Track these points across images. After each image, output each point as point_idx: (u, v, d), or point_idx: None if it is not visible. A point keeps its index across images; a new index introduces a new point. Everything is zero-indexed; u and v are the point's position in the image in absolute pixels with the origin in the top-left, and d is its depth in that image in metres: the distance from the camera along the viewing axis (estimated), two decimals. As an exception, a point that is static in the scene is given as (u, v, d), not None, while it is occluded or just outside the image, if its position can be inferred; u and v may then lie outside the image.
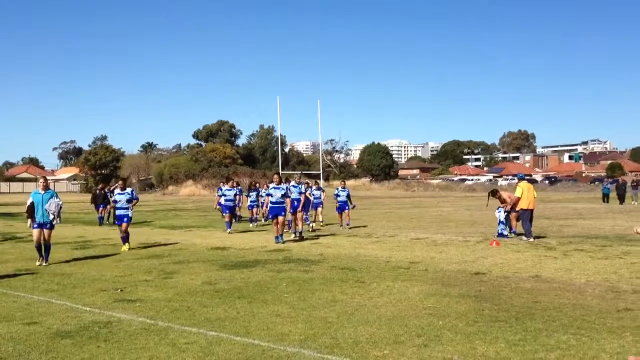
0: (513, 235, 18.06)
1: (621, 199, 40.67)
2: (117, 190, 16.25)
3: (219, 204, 23.07)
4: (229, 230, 21.29)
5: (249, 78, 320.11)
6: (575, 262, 12.67)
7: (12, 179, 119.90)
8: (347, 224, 22.51)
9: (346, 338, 6.73)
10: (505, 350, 6.17)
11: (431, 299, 8.94)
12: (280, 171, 58.42)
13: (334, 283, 10.40)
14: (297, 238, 18.08)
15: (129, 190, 16.21)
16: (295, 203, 18.26)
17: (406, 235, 19.39)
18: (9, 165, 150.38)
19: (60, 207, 13.69)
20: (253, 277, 11.22)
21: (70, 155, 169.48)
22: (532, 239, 16.77)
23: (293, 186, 18.93)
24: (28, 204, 13.61)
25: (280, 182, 17.64)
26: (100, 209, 27.27)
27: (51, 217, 13.44)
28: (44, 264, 13.23)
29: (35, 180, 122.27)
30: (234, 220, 25.72)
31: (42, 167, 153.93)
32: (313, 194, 22.85)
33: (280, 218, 17.00)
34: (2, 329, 7.38)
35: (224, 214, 22.27)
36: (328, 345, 6.45)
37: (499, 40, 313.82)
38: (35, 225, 13.43)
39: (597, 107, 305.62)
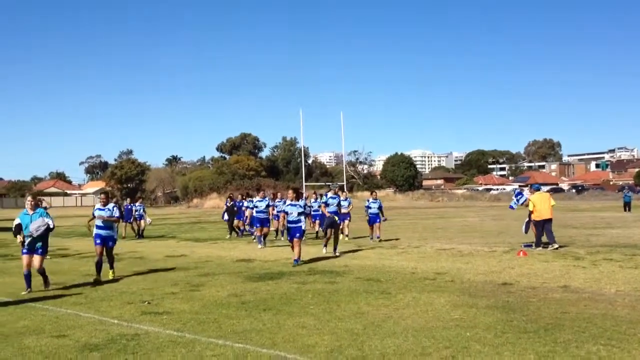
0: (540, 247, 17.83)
1: None
2: (98, 206, 13.45)
3: (252, 218, 21.29)
4: (260, 245, 19.81)
5: (272, 91, 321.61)
6: (604, 271, 12.48)
7: (40, 193, 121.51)
8: (378, 237, 21.36)
9: (373, 350, 6.70)
10: (535, 362, 6.09)
11: (458, 310, 8.87)
12: (302, 184, 58.44)
13: (359, 294, 10.36)
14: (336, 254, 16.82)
15: (110, 205, 13.38)
16: (331, 220, 17.20)
17: (431, 245, 19.27)
18: (37, 180, 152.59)
19: (49, 229, 11.59)
20: (278, 289, 11.23)
21: (96, 169, 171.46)
22: (550, 247, 16.79)
23: (331, 197, 18.47)
24: (15, 224, 11.62)
25: (297, 198, 15.42)
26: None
27: (34, 233, 11.36)
28: (31, 291, 11.49)
29: (64, 194, 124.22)
30: (238, 234, 25.86)
31: (69, 182, 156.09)
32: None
33: (296, 240, 14.92)
34: (31, 342, 7.48)
35: (256, 227, 20.77)
36: (355, 357, 6.43)
37: (523, 49, 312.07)
38: (25, 251, 11.55)
39: (624, 114, 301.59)
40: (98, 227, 13.13)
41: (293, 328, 7.89)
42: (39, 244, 11.49)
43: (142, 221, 27.10)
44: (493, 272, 12.83)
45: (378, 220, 21.65)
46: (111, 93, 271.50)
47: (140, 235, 26.76)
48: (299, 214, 15.02)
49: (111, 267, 13.50)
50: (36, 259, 11.49)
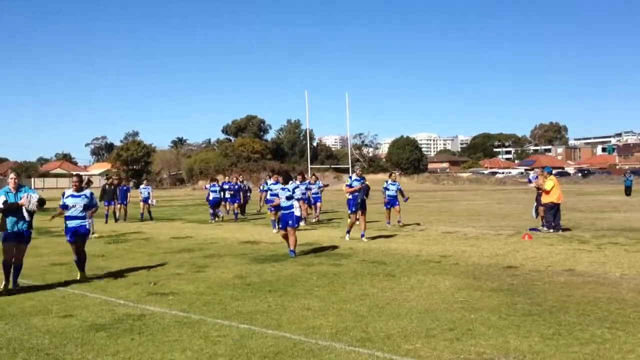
0: (544, 228, 17.84)
1: None
2: (70, 192, 11.21)
3: (267, 201, 20.42)
4: (275, 230, 18.40)
5: (277, 72, 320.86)
6: (610, 255, 12.47)
7: (46, 174, 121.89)
8: (399, 221, 20.35)
9: (377, 332, 6.73)
10: (539, 344, 6.11)
11: (463, 292, 8.88)
12: (308, 167, 58.40)
13: (364, 277, 10.39)
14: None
15: (87, 192, 11.23)
16: (357, 200, 16.01)
17: (436, 228, 19.27)
18: (43, 161, 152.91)
19: (40, 202, 9.91)
20: (283, 270, 11.27)
21: (102, 151, 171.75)
22: (561, 231, 16.91)
23: (356, 180, 16.31)
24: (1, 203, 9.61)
25: (286, 182, 13.78)
26: (108, 205, 25.23)
27: (26, 214, 9.76)
28: (10, 286, 9.76)
29: (70, 175, 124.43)
30: (240, 215, 25.77)
31: (75, 163, 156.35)
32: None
33: (289, 229, 13.26)
34: (38, 321, 7.53)
35: (269, 211, 20.03)
36: (359, 339, 6.45)
37: (529, 31, 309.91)
38: (4, 236, 9.70)
39: (631, 98, 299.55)
40: (70, 217, 10.91)
41: (298, 309, 7.92)
42: (25, 225, 9.80)
43: (148, 203, 26.46)
44: (498, 255, 12.83)
45: (397, 203, 20.70)
46: (117, 74, 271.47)
47: (149, 215, 26.41)
48: (288, 198, 13.32)
49: (82, 268, 10.98)
50: (21, 247, 9.88)
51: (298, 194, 13.49)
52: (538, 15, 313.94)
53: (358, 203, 16.01)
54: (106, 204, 25.13)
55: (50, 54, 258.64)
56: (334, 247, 14.66)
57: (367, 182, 16.48)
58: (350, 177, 16.98)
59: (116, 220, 25.18)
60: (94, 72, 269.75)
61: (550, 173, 18.59)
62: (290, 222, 13.21)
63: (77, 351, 6.22)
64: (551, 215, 17.37)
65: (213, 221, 24.25)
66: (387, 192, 20.73)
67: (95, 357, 6.00)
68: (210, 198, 25.06)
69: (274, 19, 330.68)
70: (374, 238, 16.32)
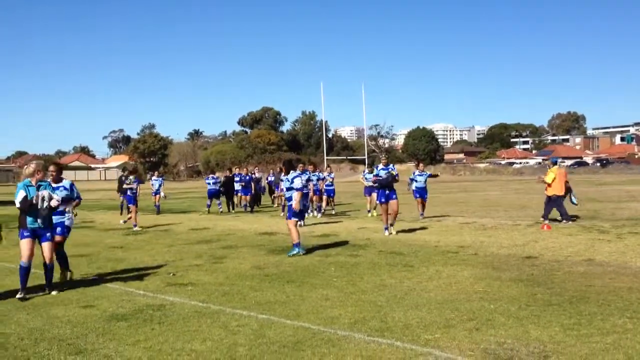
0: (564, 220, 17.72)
1: None
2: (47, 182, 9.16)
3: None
4: (301, 222, 16.69)
5: (293, 64, 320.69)
6: (630, 245, 12.36)
7: (64, 167, 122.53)
8: (421, 214, 19.73)
9: (396, 322, 6.72)
10: (560, 335, 6.07)
11: (482, 283, 8.85)
12: (324, 158, 58.40)
13: (382, 267, 10.38)
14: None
15: (66, 182, 9.81)
16: (385, 190, 15.23)
17: (454, 219, 19.21)
18: (61, 154, 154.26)
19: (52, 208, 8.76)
20: (301, 261, 11.29)
21: (119, 143, 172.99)
22: (571, 222, 16.75)
23: (383, 169, 15.41)
24: (20, 199, 8.53)
25: (287, 172, 13.12)
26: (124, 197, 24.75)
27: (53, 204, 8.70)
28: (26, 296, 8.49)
29: (88, 168, 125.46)
30: (248, 207, 25.65)
31: (93, 156, 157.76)
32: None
33: (288, 222, 12.76)
34: (59, 312, 7.60)
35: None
36: (378, 329, 6.45)
37: (546, 20, 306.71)
38: (27, 234, 8.63)
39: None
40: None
41: (316, 300, 7.93)
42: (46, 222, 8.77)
43: (159, 195, 25.91)
44: (517, 245, 12.76)
45: (425, 196, 20.10)
46: (134, 67, 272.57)
47: (157, 210, 25.79)
48: (287, 189, 12.72)
49: (66, 266, 9.90)
50: (46, 246, 8.85)
51: (297, 184, 12.48)
52: (556, 4, 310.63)
53: (386, 194, 15.16)
54: (123, 196, 24.80)
55: (68, 47, 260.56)
56: (352, 238, 14.65)
57: (392, 172, 15.37)
58: (377, 167, 16.16)
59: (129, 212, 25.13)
60: (111, 66, 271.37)
61: (555, 163, 18.33)
62: (288, 214, 12.81)
63: (98, 341, 6.28)
64: (559, 206, 17.13)
65: (206, 212, 24.70)
66: (415, 184, 20.08)
67: (117, 347, 6.05)
68: (210, 189, 25.66)
69: (290, 10, 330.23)
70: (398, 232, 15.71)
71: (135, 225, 18.67)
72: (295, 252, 12.10)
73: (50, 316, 7.39)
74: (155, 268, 10.92)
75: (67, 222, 9.86)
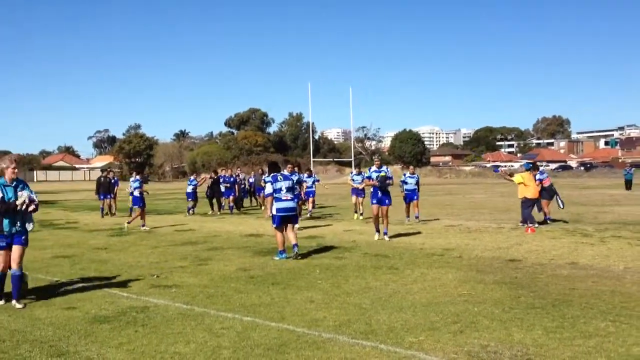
0: (549, 221, 17.84)
1: None
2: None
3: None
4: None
5: (280, 65, 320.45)
6: (613, 248, 12.46)
7: (48, 167, 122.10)
8: (417, 217, 19.53)
9: (381, 324, 6.73)
10: (543, 337, 6.10)
11: (466, 285, 8.88)
12: (310, 160, 58.41)
13: (367, 270, 10.39)
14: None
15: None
16: (377, 193, 14.71)
17: (439, 222, 19.26)
18: (45, 154, 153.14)
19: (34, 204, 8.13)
20: (286, 263, 11.27)
21: (104, 143, 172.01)
22: (536, 225, 16.46)
23: (375, 171, 14.82)
24: None
25: (269, 173, 12.88)
26: (104, 199, 24.73)
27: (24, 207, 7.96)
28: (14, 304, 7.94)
29: (73, 169, 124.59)
30: (220, 209, 25.46)
31: (78, 156, 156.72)
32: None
33: (291, 227, 12.30)
34: (41, 313, 7.54)
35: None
36: (363, 331, 6.45)
37: (532, 24, 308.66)
38: (3, 244, 7.95)
39: (634, 91, 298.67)
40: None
41: (301, 302, 7.92)
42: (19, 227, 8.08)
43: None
44: (501, 248, 12.82)
45: (416, 197, 19.73)
46: (119, 67, 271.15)
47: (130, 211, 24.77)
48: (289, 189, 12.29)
49: (18, 293, 8.12)
50: (16, 250, 8.05)
51: (267, 189, 12.25)
52: (541, 8, 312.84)
53: (379, 197, 14.65)
54: (101, 197, 24.74)
55: (53, 47, 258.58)
56: (337, 241, 14.65)
57: (385, 174, 14.70)
58: (370, 169, 15.54)
59: (111, 214, 24.79)
60: (97, 65, 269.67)
61: (527, 170, 18.08)
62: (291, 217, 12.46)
63: (80, 343, 6.23)
64: (525, 209, 16.89)
65: (188, 214, 24.46)
66: (406, 186, 19.82)
67: (99, 349, 6.00)
68: (189, 191, 25.49)
69: (278, 12, 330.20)
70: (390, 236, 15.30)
71: (143, 226, 18.65)
72: (279, 257, 11.85)
73: (33, 318, 7.32)
74: (139, 269, 10.86)
75: (29, 227, 8.35)
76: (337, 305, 7.69)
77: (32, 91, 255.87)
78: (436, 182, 71.92)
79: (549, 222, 17.86)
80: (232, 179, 25.95)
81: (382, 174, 14.73)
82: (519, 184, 17.13)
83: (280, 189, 12.09)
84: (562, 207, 18.65)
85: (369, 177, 15.07)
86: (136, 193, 19.32)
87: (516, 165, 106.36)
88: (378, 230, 14.86)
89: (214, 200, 25.72)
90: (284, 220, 12.10)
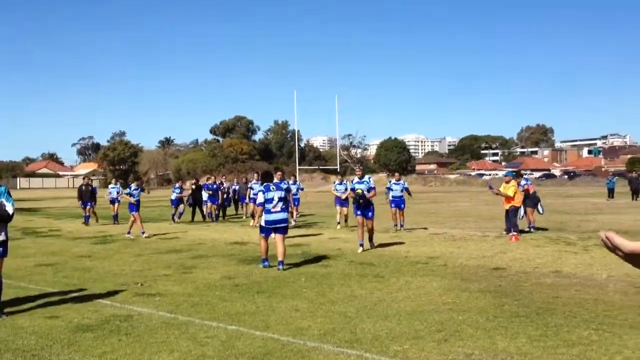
0: (532, 230, 17.94)
1: (636, 194, 38.01)
2: None
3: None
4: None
5: (266, 73, 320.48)
6: (596, 257, 12.55)
7: (31, 174, 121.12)
8: (401, 225, 19.33)
9: (366, 333, 6.73)
10: (527, 346, 6.13)
11: (450, 294, 8.91)
12: (296, 168, 58.39)
13: (352, 278, 10.39)
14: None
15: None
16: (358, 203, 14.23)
17: (424, 230, 19.31)
18: (28, 161, 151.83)
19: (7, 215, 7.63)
20: (271, 272, 11.25)
21: (88, 150, 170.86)
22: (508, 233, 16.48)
23: (358, 182, 14.37)
24: None
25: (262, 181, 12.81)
26: (87, 206, 24.19)
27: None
28: None
29: (56, 176, 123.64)
30: (205, 217, 25.36)
31: (61, 163, 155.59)
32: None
33: (279, 236, 11.78)
34: (24, 322, 7.47)
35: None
36: (348, 340, 6.45)
37: (516, 32, 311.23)
38: None
39: (617, 101, 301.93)
40: None
41: (286, 311, 7.91)
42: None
43: (117, 204, 24.87)
44: (485, 256, 12.88)
45: (402, 205, 19.46)
46: (104, 74, 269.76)
47: (114, 218, 24.75)
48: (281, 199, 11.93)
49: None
50: None
51: (259, 199, 11.90)
52: (525, 18, 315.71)
53: (361, 209, 14.16)
54: (83, 205, 24.30)
55: (37, 53, 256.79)
56: (322, 249, 14.65)
57: (361, 191, 14.09)
58: (352, 181, 15.05)
59: (86, 222, 24.05)
60: (81, 71, 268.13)
61: (512, 177, 17.80)
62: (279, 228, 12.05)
63: (63, 352, 6.18)
64: (511, 218, 16.80)
65: (173, 222, 24.29)
66: (392, 193, 19.59)
67: (82, 358, 5.96)
68: (173, 198, 25.36)
69: (263, 19, 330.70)
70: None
71: (129, 233, 18.53)
72: (262, 265, 11.72)
73: (15, 327, 7.25)
74: (123, 278, 10.79)
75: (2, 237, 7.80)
76: (322, 314, 7.69)
77: (14, 98, 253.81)
78: (421, 190, 72.11)
79: (532, 230, 17.95)
80: (214, 186, 25.84)
81: (359, 190, 14.11)
82: (515, 193, 16.85)
83: (272, 200, 11.62)
84: (541, 212, 18.81)
85: (352, 189, 14.49)
86: (132, 200, 18.92)
87: (500, 173, 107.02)
88: (362, 244, 14.13)
89: (197, 208, 25.57)
90: (272, 230, 11.77)
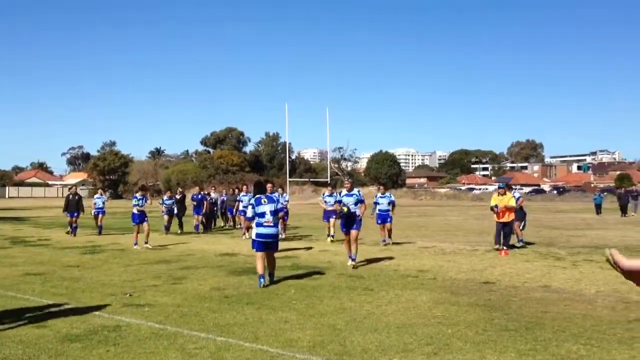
0: (521, 243, 17.99)
1: (624, 210, 38.12)
2: None
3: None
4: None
5: (258, 85, 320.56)
6: (585, 272, 12.60)
7: (20, 183, 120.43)
8: (384, 240, 18.90)
9: (355, 345, 6.72)
10: (516, 360, 6.14)
11: (440, 307, 8.91)
12: (286, 180, 58.34)
13: (342, 290, 10.38)
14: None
15: None
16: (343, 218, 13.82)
17: (414, 243, 19.33)
18: (17, 170, 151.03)
19: None
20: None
21: (78, 160, 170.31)
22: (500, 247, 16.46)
23: (346, 195, 13.86)
24: None
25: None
26: (74, 217, 23.42)
27: None
28: None
29: (46, 185, 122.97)
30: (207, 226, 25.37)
31: (51, 172, 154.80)
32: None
33: (271, 254, 11.45)
34: (11, 331, 7.41)
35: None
36: (337, 352, 6.44)
37: (508, 48, 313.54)
38: None
39: (607, 118, 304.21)
40: None
41: (275, 322, 7.89)
42: None
43: (101, 215, 24.59)
44: (475, 270, 12.90)
45: (389, 219, 18.91)
46: (94, 84, 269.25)
47: (98, 230, 24.21)
48: (274, 212, 11.44)
49: None
50: None
51: (248, 213, 11.48)
52: (516, 33, 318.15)
53: (346, 222, 13.63)
54: (69, 215, 23.55)
55: (27, 62, 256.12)
56: (312, 261, 14.64)
57: (347, 208, 13.54)
58: (340, 193, 14.49)
59: (74, 232, 23.32)
60: (71, 81, 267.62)
61: (505, 188, 17.73)
62: (271, 245, 11.57)
63: (50, 362, 6.13)
64: (509, 232, 16.99)
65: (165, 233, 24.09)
66: (378, 207, 19.02)
67: (70, 369, 5.91)
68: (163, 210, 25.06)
69: (255, 30, 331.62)
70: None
71: (135, 244, 18.28)
72: (258, 282, 10.87)
73: (2, 336, 7.18)
74: (112, 288, 10.73)
75: None
76: (311, 326, 7.67)
77: (4, 106, 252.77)
78: (411, 204, 72.26)
79: (521, 243, 17.98)
80: (199, 197, 25.70)
81: (345, 209, 13.55)
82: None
83: (264, 213, 11.07)
84: (522, 228, 18.87)
85: (339, 202, 13.97)
86: (134, 210, 18.87)
87: (491, 188, 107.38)
88: (351, 257, 13.62)
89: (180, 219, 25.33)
90: (264, 245, 11.18)
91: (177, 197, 26.10)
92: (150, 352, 6.45)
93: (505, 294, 10.06)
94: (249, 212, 11.33)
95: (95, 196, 26.25)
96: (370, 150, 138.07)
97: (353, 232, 13.53)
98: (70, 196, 24.37)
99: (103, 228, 24.70)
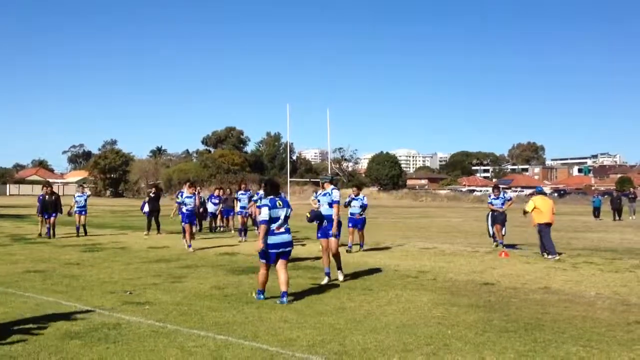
0: (501, 246, 17.83)
1: (618, 213, 37.71)
2: None
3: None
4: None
5: (259, 85, 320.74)
6: (585, 274, 12.60)
7: (21, 181, 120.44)
8: (361, 245, 17.47)
9: (354, 345, 6.72)
10: (515, 361, 6.14)
11: (440, 308, 8.92)
12: (287, 180, 58.36)
13: (341, 290, 10.39)
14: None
15: None
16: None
17: (414, 244, 19.35)
18: (18, 167, 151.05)
19: None
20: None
21: (79, 158, 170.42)
22: (557, 257, 15.30)
23: (322, 194, 11.86)
24: None
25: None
26: (51, 218, 21.50)
27: None
28: None
29: (46, 184, 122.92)
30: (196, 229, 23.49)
31: (52, 170, 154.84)
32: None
33: (282, 262, 9.49)
34: (11, 328, 7.41)
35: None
36: (336, 352, 6.45)
37: (509, 51, 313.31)
38: None
39: (608, 121, 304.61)
40: None
41: (275, 321, 7.90)
42: None
43: (83, 215, 22.42)
44: (475, 271, 12.91)
45: (360, 225, 17.30)
46: (96, 83, 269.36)
47: (84, 230, 22.45)
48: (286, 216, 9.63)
49: None
50: None
51: (264, 214, 9.29)
52: (518, 36, 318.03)
53: (323, 227, 11.66)
54: (46, 217, 21.60)
55: (28, 60, 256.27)
56: (312, 261, 14.64)
57: (325, 199, 11.65)
58: (317, 193, 12.81)
59: (42, 235, 21.73)
60: (73, 79, 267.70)
61: (539, 192, 17.35)
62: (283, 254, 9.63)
63: (50, 359, 6.14)
64: (542, 237, 15.99)
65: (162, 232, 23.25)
66: (350, 209, 17.28)
67: (69, 366, 5.92)
68: (146, 210, 23.54)
69: (256, 31, 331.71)
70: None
71: (189, 246, 16.98)
72: (257, 298, 9.54)
73: (2, 333, 7.19)
74: (112, 286, 10.75)
75: None
76: (311, 325, 7.68)
77: (5, 104, 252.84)
78: (412, 205, 72.31)
79: (501, 246, 17.84)
80: (190, 197, 24.90)
81: (316, 207, 12.05)
82: (533, 210, 16.15)
83: (279, 218, 9.37)
84: (504, 234, 18.69)
85: (318, 200, 12.02)
86: (184, 209, 17.59)
87: (490, 189, 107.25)
88: (327, 273, 11.49)
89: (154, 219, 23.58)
90: (276, 257, 9.41)
91: (152, 195, 24.20)
92: (150, 350, 6.46)
93: (505, 295, 10.06)
94: (265, 214, 9.22)
95: (76, 194, 23.22)
96: (372, 151, 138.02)
97: (331, 241, 11.47)
98: (47, 196, 21.95)
99: (87, 229, 22.82)
